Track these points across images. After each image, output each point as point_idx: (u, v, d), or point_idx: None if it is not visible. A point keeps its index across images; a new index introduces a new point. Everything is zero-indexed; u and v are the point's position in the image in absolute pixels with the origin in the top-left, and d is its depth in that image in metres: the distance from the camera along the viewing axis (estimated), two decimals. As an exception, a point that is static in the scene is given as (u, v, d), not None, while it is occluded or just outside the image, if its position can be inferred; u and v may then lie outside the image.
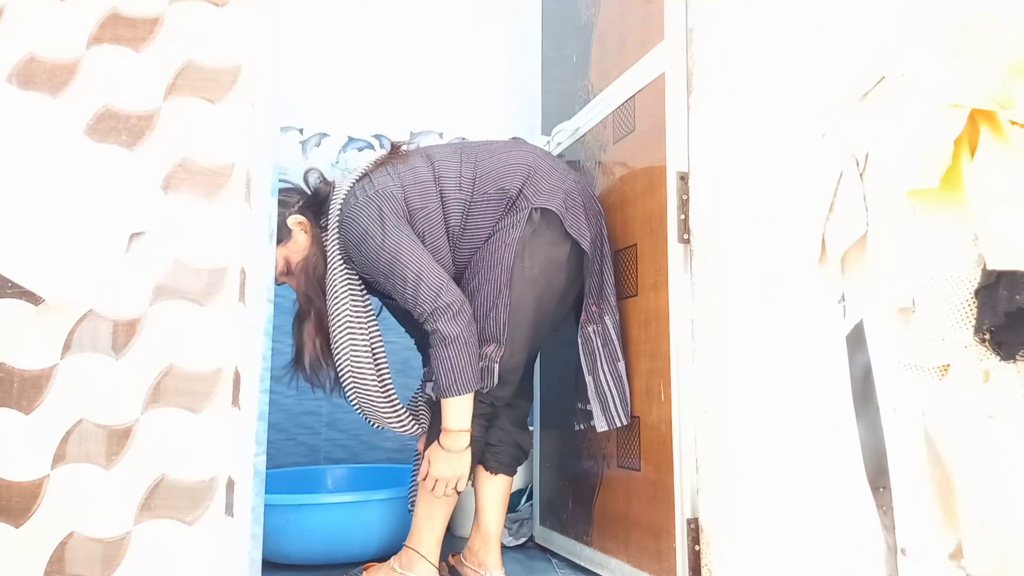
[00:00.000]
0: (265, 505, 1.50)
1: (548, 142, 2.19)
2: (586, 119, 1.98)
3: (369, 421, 1.75)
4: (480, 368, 1.62)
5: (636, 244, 1.70)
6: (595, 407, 1.68)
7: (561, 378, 2.01)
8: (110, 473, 1.25)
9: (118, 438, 1.26)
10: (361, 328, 1.68)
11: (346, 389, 1.69)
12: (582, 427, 1.81)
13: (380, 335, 1.72)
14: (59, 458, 1.25)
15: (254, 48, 1.38)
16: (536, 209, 1.66)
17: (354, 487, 2.36)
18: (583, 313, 1.73)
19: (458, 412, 1.59)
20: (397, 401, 1.72)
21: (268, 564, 1.79)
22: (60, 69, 1.33)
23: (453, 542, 2.22)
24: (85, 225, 1.28)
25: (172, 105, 1.35)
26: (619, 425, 1.66)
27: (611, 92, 1.84)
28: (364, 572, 1.77)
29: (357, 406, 1.71)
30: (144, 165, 1.33)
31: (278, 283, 1.69)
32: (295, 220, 1.72)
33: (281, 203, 1.71)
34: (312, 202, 1.75)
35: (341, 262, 1.69)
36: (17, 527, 1.23)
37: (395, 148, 1.79)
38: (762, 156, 1.38)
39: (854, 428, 1.12)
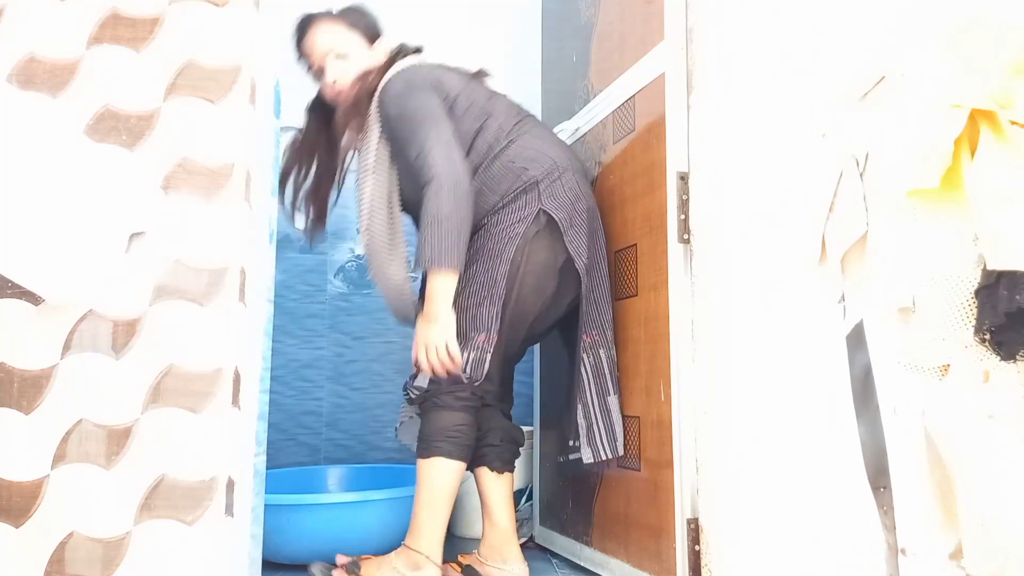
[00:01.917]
0: (265, 505, 1.51)
1: (548, 142, 2.19)
2: (586, 119, 1.98)
3: (379, 291, 1.75)
4: (471, 359, 1.62)
5: (636, 244, 1.70)
6: (581, 436, 1.69)
7: (560, 376, 2.01)
8: (110, 473, 1.25)
9: (118, 438, 1.26)
10: (383, 198, 1.70)
11: (363, 247, 1.73)
12: (567, 458, 1.80)
13: (401, 220, 1.74)
14: (59, 458, 1.25)
15: (254, 48, 1.39)
16: (543, 211, 1.67)
17: (354, 487, 2.36)
18: (578, 340, 1.73)
19: (442, 284, 1.58)
20: (408, 283, 1.71)
21: (268, 564, 1.79)
22: (60, 69, 1.34)
23: (453, 542, 2.22)
24: (85, 225, 1.28)
25: (172, 105, 1.35)
26: (604, 458, 1.67)
27: (611, 92, 1.84)
28: (362, 562, 1.77)
29: (370, 268, 1.73)
30: (144, 165, 1.33)
31: (321, 78, 1.77)
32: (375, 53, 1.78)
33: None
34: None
35: (379, 134, 1.70)
36: (17, 527, 1.23)
37: (480, 71, 1.82)
38: (762, 156, 1.38)
39: (854, 428, 1.12)
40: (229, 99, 1.36)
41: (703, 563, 1.46)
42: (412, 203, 1.72)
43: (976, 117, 0.95)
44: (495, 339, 1.64)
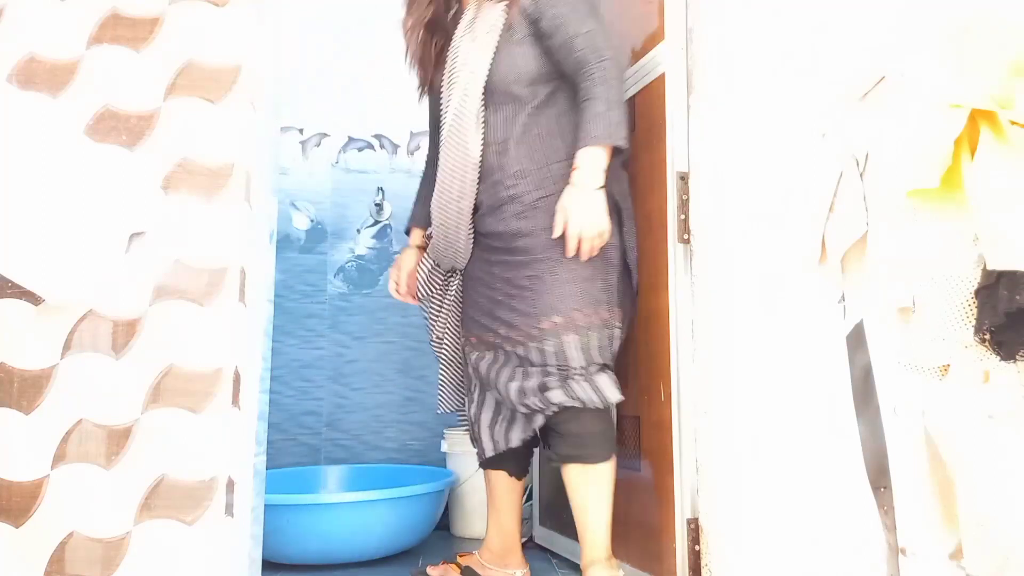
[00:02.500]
0: (265, 505, 1.50)
1: (548, 142, 2.18)
2: (586, 119, 1.97)
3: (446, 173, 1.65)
4: (604, 336, 1.53)
5: (636, 244, 1.70)
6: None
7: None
8: (110, 473, 1.25)
9: (118, 438, 1.26)
10: (486, 63, 1.61)
11: (453, 110, 1.63)
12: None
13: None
14: (59, 458, 1.25)
15: (254, 48, 1.39)
16: (611, 195, 1.58)
17: (354, 487, 2.36)
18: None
19: (606, 160, 1.51)
20: (478, 164, 1.61)
21: (268, 564, 1.79)
22: (60, 69, 1.34)
23: (452, 542, 2.23)
24: (85, 225, 1.28)
25: (172, 105, 1.35)
26: (579, 402, 1.60)
27: (611, 92, 1.84)
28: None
29: (453, 135, 1.63)
30: (144, 165, 1.33)
31: None
32: None
33: None
34: None
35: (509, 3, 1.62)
36: (17, 527, 1.23)
37: None
38: (762, 156, 1.38)
39: (854, 428, 1.12)
40: (229, 99, 1.36)
41: (703, 563, 1.46)
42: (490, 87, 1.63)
43: (976, 117, 0.95)
44: (619, 312, 1.56)
